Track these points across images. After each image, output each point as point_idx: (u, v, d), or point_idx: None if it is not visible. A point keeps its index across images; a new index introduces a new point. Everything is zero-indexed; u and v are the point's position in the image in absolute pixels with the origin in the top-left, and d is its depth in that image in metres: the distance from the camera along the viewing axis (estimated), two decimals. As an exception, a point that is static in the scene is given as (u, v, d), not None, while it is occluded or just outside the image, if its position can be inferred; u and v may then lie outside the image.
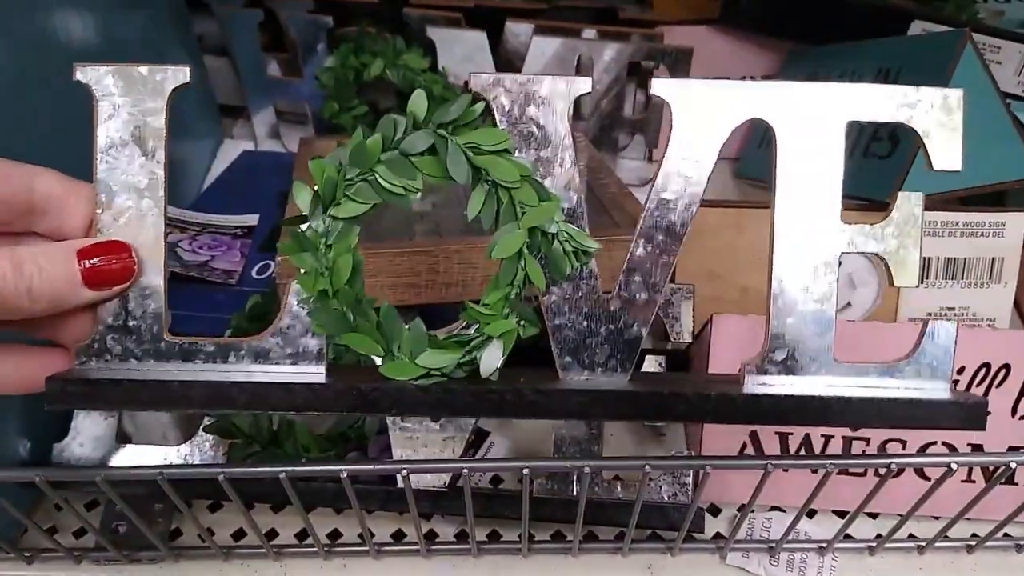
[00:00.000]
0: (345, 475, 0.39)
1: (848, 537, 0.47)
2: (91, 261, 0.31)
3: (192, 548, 0.48)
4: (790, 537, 0.46)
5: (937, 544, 0.48)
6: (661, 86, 0.34)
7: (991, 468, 0.50)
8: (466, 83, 0.74)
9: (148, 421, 0.50)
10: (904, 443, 0.49)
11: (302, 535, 0.50)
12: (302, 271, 0.33)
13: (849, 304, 0.59)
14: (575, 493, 0.47)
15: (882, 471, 0.39)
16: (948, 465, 0.40)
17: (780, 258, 0.34)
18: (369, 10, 0.75)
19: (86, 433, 0.49)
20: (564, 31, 0.75)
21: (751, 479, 0.41)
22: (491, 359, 0.34)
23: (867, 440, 0.49)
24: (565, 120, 0.33)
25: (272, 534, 0.50)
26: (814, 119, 0.34)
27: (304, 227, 0.33)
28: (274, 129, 0.82)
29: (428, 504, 0.48)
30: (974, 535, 0.49)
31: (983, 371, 0.49)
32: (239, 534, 0.51)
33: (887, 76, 0.62)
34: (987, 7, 0.74)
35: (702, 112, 0.34)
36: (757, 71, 0.79)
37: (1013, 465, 0.42)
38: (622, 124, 0.78)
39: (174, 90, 0.33)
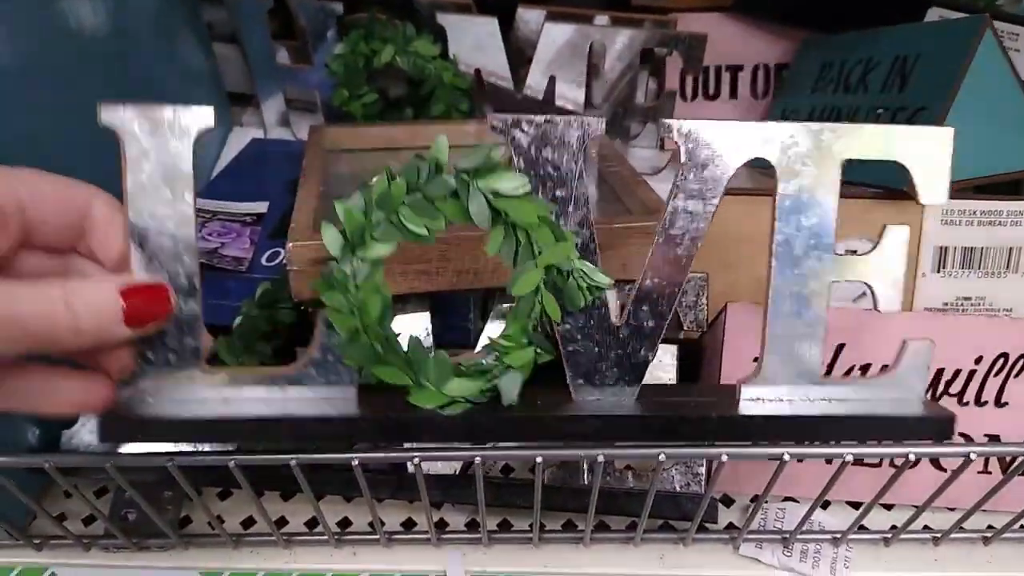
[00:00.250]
0: (356, 463, 0.39)
1: (863, 528, 0.47)
2: (131, 300, 0.32)
3: (202, 536, 0.48)
4: (804, 528, 0.46)
5: (952, 535, 0.48)
6: (672, 128, 0.35)
7: (1008, 459, 0.49)
8: (477, 71, 0.74)
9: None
10: (920, 433, 0.49)
11: (312, 523, 0.50)
12: (333, 309, 0.35)
13: (864, 293, 0.58)
14: (586, 482, 0.47)
15: (898, 461, 0.39)
16: (967, 455, 0.39)
17: (776, 286, 0.37)
18: (379, -3, 0.75)
19: (96, 420, 0.49)
20: (576, 17, 0.74)
21: (764, 469, 0.40)
22: (511, 386, 0.36)
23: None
24: (580, 160, 0.35)
25: (282, 522, 0.50)
26: (812, 159, 0.36)
27: (334, 268, 0.34)
28: (283, 117, 0.81)
29: (439, 492, 0.48)
30: (990, 526, 0.49)
31: (1001, 361, 0.48)
32: (248, 522, 0.50)
33: (904, 64, 0.61)
34: (1005, -7, 0.73)
35: (709, 152, 0.36)
36: (771, 59, 0.78)
37: (1032, 456, 0.41)
38: (634, 112, 0.77)
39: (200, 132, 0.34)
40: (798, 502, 0.51)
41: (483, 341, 0.44)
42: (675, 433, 0.37)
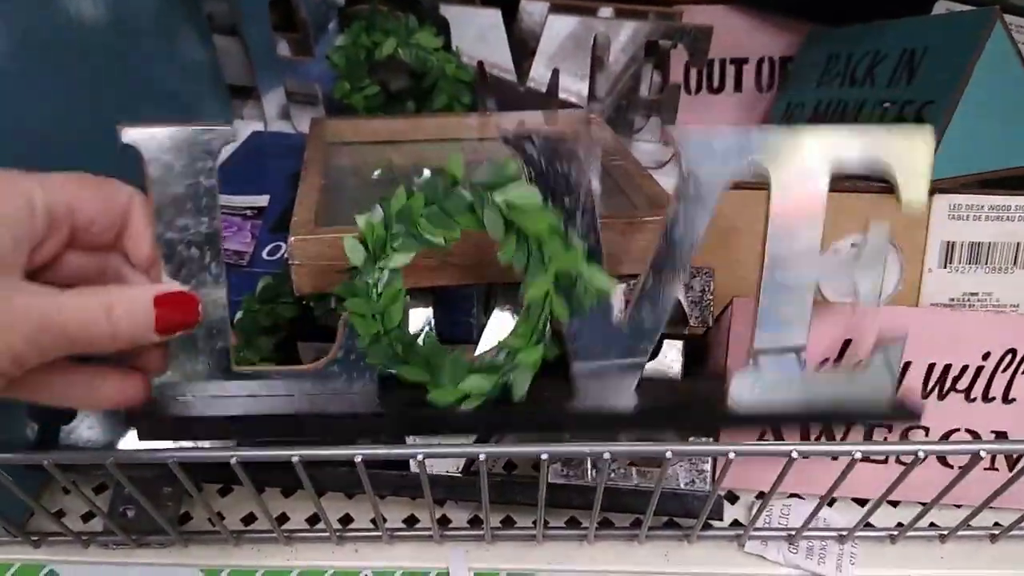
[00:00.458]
0: (359, 459, 0.39)
1: (869, 525, 0.47)
2: (162, 309, 0.33)
3: (202, 532, 0.48)
4: (810, 525, 0.46)
5: (959, 533, 0.47)
6: (672, 133, 0.37)
7: (1015, 456, 0.49)
8: (480, 64, 0.73)
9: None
10: (927, 430, 0.48)
11: (313, 520, 0.50)
12: (357, 315, 0.37)
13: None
14: (590, 479, 0.47)
15: (906, 459, 0.39)
16: (976, 452, 0.39)
17: (765, 282, 0.38)
18: (381, -12, 0.74)
19: (95, 415, 0.48)
20: (580, 9, 0.73)
21: (770, 465, 0.40)
22: (522, 382, 0.38)
23: (889, 427, 0.48)
24: (587, 170, 0.36)
25: (283, 518, 0.50)
26: (803, 162, 0.37)
27: (356, 278, 0.37)
28: (284, 110, 0.81)
29: (442, 489, 0.47)
30: (997, 524, 0.48)
31: (1008, 357, 0.48)
32: (249, 518, 0.50)
33: (912, 57, 0.60)
34: (1013, -15, 0.72)
35: (707, 157, 0.36)
36: (776, 51, 0.77)
37: (1041, 453, 0.41)
38: (638, 105, 0.77)
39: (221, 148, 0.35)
40: (803, 499, 0.50)
41: (486, 336, 0.44)
42: (670, 423, 0.40)
